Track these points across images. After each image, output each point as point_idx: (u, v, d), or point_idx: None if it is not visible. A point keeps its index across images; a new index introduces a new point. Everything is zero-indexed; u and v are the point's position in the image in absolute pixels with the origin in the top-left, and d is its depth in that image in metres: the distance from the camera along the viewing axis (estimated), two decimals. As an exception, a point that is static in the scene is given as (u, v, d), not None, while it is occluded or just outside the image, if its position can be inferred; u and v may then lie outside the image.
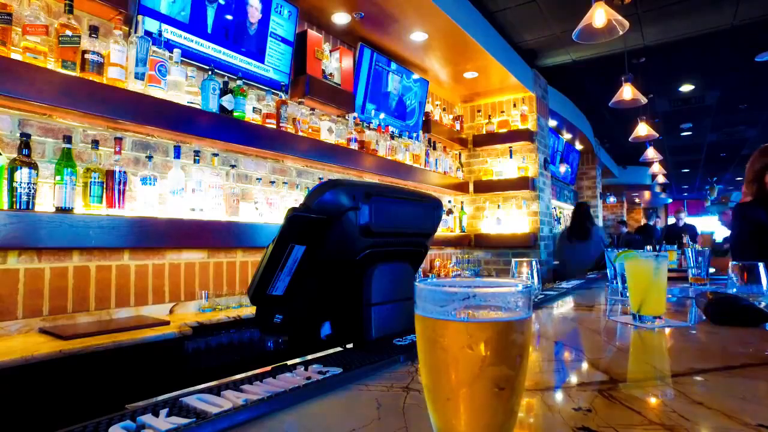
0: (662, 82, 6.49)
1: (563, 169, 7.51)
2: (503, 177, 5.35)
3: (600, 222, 9.17)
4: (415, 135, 4.54)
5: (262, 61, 3.06)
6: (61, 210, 1.94)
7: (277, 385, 0.70)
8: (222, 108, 2.64)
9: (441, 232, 4.81)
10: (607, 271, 1.96)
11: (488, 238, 5.42)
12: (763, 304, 1.11)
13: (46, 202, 1.97)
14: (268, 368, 0.80)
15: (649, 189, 13.38)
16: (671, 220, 9.66)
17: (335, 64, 3.62)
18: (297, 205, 1.03)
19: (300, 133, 3.13)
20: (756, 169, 2.47)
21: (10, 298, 1.91)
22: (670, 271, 1.43)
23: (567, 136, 7.54)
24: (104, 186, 2.11)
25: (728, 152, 11.34)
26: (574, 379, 0.77)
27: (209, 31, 2.73)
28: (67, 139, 2.01)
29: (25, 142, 1.86)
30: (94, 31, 2.08)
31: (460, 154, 5.59)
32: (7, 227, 1.74)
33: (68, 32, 1.98)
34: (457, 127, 5.40)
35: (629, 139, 5.78)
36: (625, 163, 11.89)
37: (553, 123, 6.47)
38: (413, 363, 0.86)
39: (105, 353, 1.75)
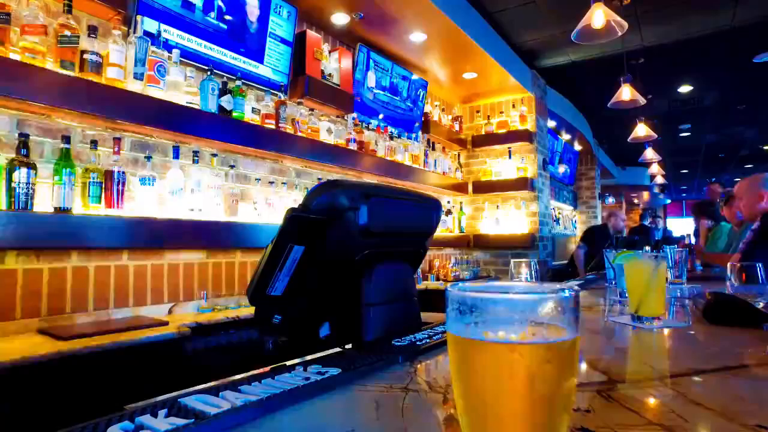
0: (661, 83, 6.50)
1: (562, 169, 7.51)
2: (502, 177, 5.35)
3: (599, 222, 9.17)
4: (414, 135, 4.54)
5: (261, 61, 3.06)
6: (59, 210, 1.93)
7: (276, 386, 0.70)
8: (221, 108, 2.64)
9: (440, 232, 4.81)
10: (606, 271, 1.97)
11: (487, 238, 5.42)
12: (761, 305, 1.11)
13: (44, 203, 1.96)
14: (267, 369, 0.80)
15: (648, 190, 13.40)
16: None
17: (334, 64, 3.62)
18: (296, 206, 1.03)
19: (299, 134, 3.13)
20: None
21: (8, 298, 1.91)
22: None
23: (566, 136, 7.54)
24: (103, 186, 2.11)
25: (727, 153, 11.36)
26: (572, 380, 0.77)
27: (209, 31, 2.73)
28: (66, 139, 2.00)
29: (23, 142, 1.85)
30: (92, 31, 2.08)
31: (459, 155, 5.59)
32: (5, 227, 1.73)
33: (67, 32, 1.98)
34: (456, 127, 5.40)
35: (628, 140, 5.79)
36: (624, 163, 11.90)
37: (552, 124, 6.47)
38: (412, 363, 0.86)
39: (103, 354, 1.75)
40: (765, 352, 0.88)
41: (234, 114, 2.70)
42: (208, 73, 2.61)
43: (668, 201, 17.86)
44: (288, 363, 0.84)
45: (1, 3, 1.83)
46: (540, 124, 5.48)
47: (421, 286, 4.36)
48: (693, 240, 6.67)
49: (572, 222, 8.36)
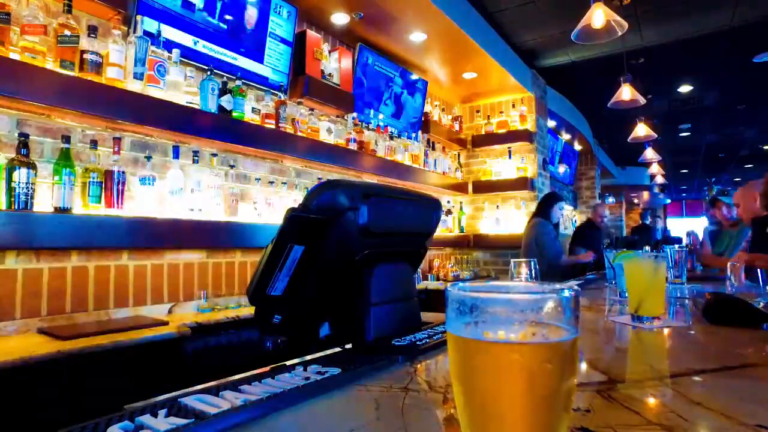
0: (661, 82, 6.50)
1: (562, 169, 7.51)
2: (502, 177, 5.34)
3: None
4: (414, 135, 4.54)
5: (261, 61, 3.06)
6: (59, 210, 1.93)
7: (275, 386, 0.70)
8: (221, 108, 2.64)
9: (440, 232, 4.81)
10: (606, 271, 1.97)
11: (487, 238, 5.42)
12: (761, 305, 1.11)
13: (44, 202, 1.96)
14: (267, 369, 0.80)
15: (648, 189, 13.40)
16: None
17: (334, 64, 3.62)
18: (296, 206, 1.03)
19: (299, 134, 3.12)
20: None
21: (8, 298, 1.91)
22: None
23: (566, 136, 7.54)
24: (103, 186, 2.11)
25: (727, 153, 11.36)
26: (572, 380, 0.77)
27: (209, 31, 2.73)
28: (66, 139, 2.00)
29: (23, 142, 1.85)
30: (92, 30, 2.08)
31: (459, 155, 5.59)
32: (5, 227, 1.73)
33: (67, 32, 1.98)
34: (456, 127, 5.40)
35: (628, 140, 5.79)
36: (624, 163, 11.90)
37: (552, 123, 6.47)
38: (412, 363, 0.86)
39: (103, 353, 1.75)
40: (765, 352, 0.88)
41: (234, 114, 2.70)
42: (208, 73, 2.61)
43: (668, 201, 17.86)
44: (288, 363, 0.84)
45: (1, 3, 1.82)
46: (540, 123, 5.48)
47: (421, 286, 4.36)
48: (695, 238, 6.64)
49: (572, 222, 8.36)
